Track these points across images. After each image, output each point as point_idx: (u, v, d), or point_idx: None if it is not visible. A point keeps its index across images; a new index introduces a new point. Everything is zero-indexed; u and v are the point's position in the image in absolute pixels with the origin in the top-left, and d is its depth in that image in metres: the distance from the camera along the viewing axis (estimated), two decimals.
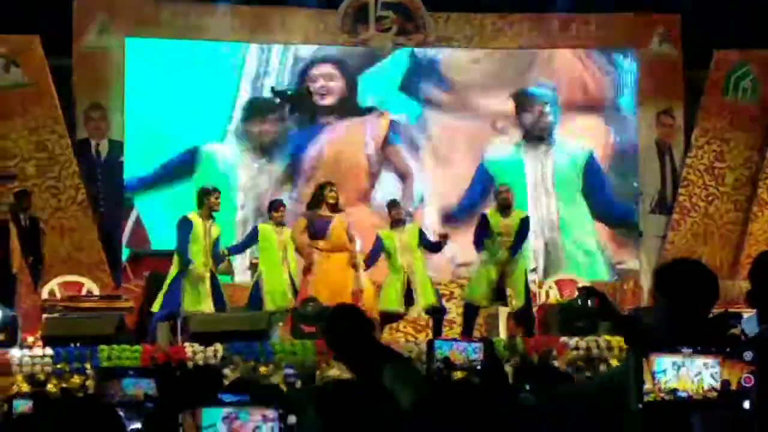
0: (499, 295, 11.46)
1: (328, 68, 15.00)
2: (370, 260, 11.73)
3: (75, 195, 13.89)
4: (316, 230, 11.57)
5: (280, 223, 11.75)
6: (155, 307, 11.17)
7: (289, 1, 14.73)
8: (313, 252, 11.54)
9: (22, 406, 6.08)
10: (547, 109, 15.18)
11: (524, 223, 11.61)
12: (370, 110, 15.00)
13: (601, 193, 15.15)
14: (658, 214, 15.13)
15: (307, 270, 11.59)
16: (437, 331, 11.77)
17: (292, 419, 3.58)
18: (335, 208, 11.66)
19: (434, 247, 11.97)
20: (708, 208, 14.88)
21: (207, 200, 11.25)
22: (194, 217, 11.22)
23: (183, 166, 14.55)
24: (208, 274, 11.13)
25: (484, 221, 11.54)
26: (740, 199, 14.86)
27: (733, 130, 14.93)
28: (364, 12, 14.72)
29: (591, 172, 15.14)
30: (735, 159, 14.92)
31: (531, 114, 15.17)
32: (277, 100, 14.72)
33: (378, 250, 11.72)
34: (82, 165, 14.03)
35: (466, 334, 11.27)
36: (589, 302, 4.58)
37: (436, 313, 11.82)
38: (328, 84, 14.97)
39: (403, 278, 11.54)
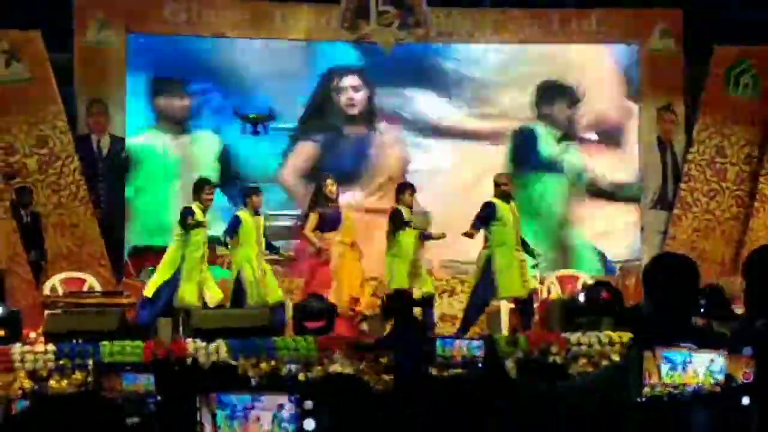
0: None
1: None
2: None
3: (76, 191, 13.89)
4: (330, 223, 11.53)
5: (257, 212, 11.45)
6: (148, 292, 11.14)
7: None
8: (331, 245, 11.50)
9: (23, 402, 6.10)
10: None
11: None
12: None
13: None
14: (660, 210, 15.14)
15: (325, 264, 11.56)
16: (431, 322, 11.61)
17: (308, 404, 3.56)
18: (335, 200, 11.64)
19: (427, 237, 11.85)
20: (709, 203, 14.87)
21: (199, 194, 11.26)
22: (196, 208, 11.21)
23: None
24: (204, 266, 11.13)
25: (491, 208, 11.46)
26: (741, 194, 14.86)
27: (733, 126, 14.93)
28: (365, 7, 14.70)
29: None
30: (736, 154, 14.92)
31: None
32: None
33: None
34: (83, 161, 14.03)
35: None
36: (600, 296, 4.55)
37: (429, 302, 11.65)
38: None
39: (409, 260, 11.44)
